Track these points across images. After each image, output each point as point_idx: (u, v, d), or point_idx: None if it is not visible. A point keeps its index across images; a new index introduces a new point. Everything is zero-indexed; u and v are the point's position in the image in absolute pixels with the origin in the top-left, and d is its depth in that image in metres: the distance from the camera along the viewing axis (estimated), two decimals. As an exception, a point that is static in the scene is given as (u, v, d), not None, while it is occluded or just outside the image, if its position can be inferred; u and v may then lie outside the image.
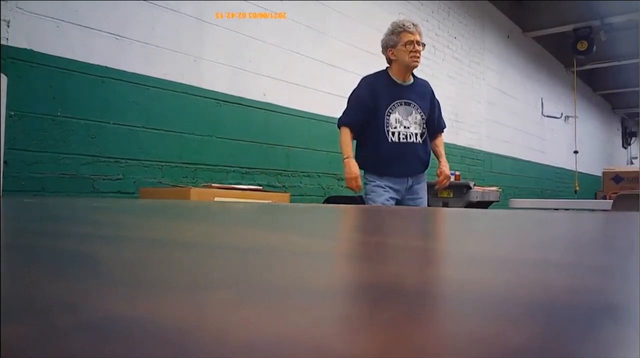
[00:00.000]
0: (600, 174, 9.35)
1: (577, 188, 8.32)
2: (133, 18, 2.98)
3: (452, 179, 5.84)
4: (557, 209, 4.44)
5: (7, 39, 2.43)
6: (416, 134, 2.74)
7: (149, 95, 3.04)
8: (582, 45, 7.97)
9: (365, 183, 2.77)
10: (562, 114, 9.96)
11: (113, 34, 2.88)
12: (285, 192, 3.60)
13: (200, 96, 3.34)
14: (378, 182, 2.70)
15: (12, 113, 2.40)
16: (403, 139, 2.70)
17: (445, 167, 2.88)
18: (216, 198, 2.53)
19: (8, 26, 2.44)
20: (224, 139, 3.46)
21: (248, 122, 3.63)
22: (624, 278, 0.25)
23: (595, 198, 7.77)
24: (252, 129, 3.66)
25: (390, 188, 2.71)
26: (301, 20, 4.10)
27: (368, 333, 0.14)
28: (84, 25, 2.75)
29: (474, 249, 0.39)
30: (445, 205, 4.92)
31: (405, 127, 2.70)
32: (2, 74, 2.11)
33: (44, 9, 2.58)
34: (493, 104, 7.50)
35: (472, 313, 0.17)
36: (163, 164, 3.10)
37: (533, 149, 8.79)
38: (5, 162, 2.26)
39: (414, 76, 2.83)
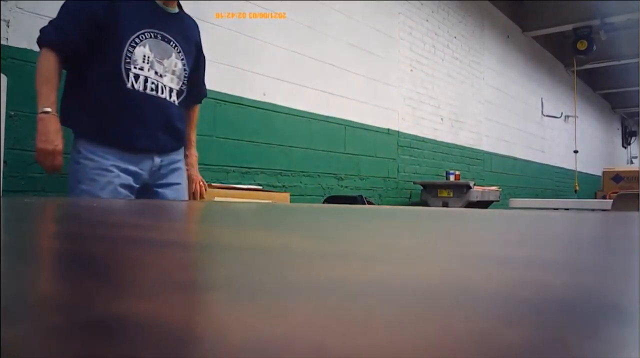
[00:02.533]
0: (600, 174, 9.37)
1: (577, 187, 8.33)
2: (133, 18, 2.98)
3: (452, 178, 5.85)
4: (557, 209, 4.45)
5: (7, 39, 2.44)
6: (171, 90, 1.76)
7: (148, 95, 3.04)
8: (582, 45, 7.98)
9: (73, 157, 1.66)
10: (562, 114, 9.96)
11: (113, 34, 2.88)
12: (285, 191, 3.60)
13: (200, 96, 3.34)
14: (99, 155, 1.62)
15: (12, 113, 2.40)
16: (152, 89, 1.68)
17: (193, 169, 1.83)
18: (216, 198, 2.53)
19: (8, 26, 2.44)
20: (224, 139, 3.46)
21: (248, 122, 3.63)
22: (624, 278, 0.25)
23: (595, 198, 7.79)
24: (252, 129, 3.66)
25: (122, 169, 1.65)
26: (301, 20, 4.10)
27: (368, 333, 0.14)
28: (84, 25, 2.75)
29: (472, 249, 0.39)
30: (445, 205, 4.92)
31: (157, 73, 1.71)
32: (2, 74, 2.11)
33: (44, 9, 2.58)
34: (493, 103, 7.50)
35: (471, 313, 0.17)
36: (163, 163, 3.10)
37: (533, 149, 8.79)
38: (5, 162, 2.26)
39: (180, 7, 1.89)
